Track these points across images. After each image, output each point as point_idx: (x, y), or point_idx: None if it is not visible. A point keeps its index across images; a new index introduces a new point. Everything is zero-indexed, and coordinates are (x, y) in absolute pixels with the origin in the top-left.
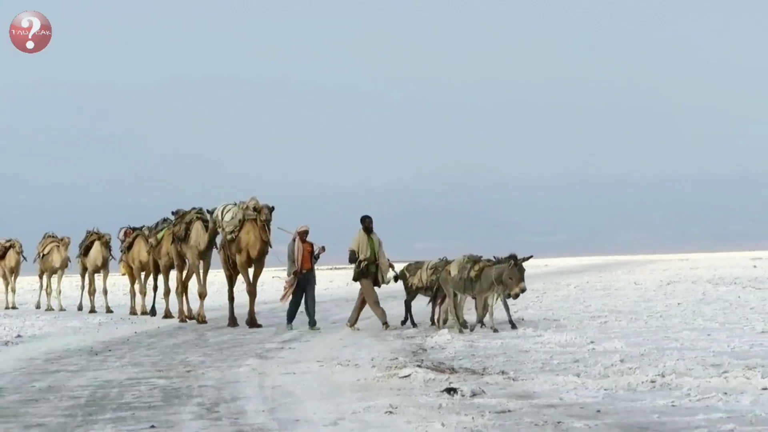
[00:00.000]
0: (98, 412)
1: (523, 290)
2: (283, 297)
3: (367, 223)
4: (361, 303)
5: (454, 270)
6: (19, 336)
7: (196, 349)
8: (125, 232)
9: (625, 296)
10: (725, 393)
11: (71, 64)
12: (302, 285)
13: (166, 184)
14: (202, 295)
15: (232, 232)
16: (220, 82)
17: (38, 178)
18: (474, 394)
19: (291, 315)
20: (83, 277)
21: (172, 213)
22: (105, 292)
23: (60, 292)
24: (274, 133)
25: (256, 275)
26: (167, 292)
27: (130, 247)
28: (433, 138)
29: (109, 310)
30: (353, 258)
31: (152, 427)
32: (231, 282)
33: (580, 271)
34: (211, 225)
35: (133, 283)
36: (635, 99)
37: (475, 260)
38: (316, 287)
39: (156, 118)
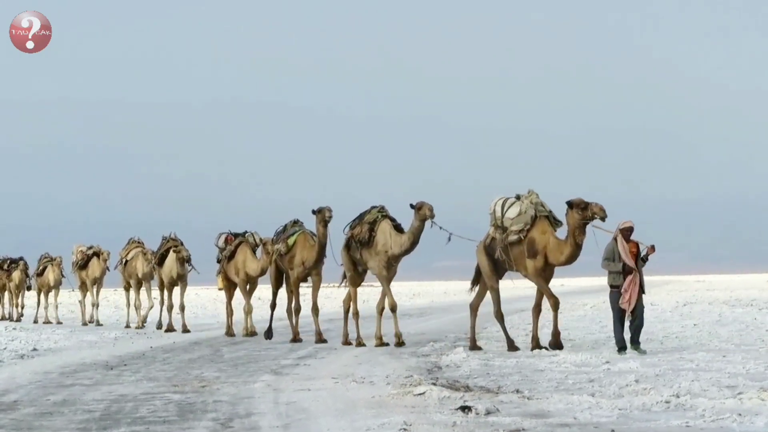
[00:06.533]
0: (113, 426)
1: None
2: (625, 305)
3: None
4: None
5: None
6: (34, 349)
7: (211, 365)
8: (226, 239)
9: None
10: (740, 414)
11: (82, 79)
12: None
13: (173, 202)
14: (394, 308)
15: (520, 231)
16: (260, 106)
17: (50, 194)
18: (488, 413)
19: (619, 335)
20: (161, 290)
21: (313, 212)
22: (182, 308)
23: (139, 306)
24: (286, 156)
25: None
26: (298, 310)
27: (232, 256)
28: (445, 158)
29: (185, 329)
30: None
31: None
32: (496, 294)
33: (597, 291)
34: (416, 224)
35: (230, 299)
36: (658, 123)
37: None
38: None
39: (163, 137)
